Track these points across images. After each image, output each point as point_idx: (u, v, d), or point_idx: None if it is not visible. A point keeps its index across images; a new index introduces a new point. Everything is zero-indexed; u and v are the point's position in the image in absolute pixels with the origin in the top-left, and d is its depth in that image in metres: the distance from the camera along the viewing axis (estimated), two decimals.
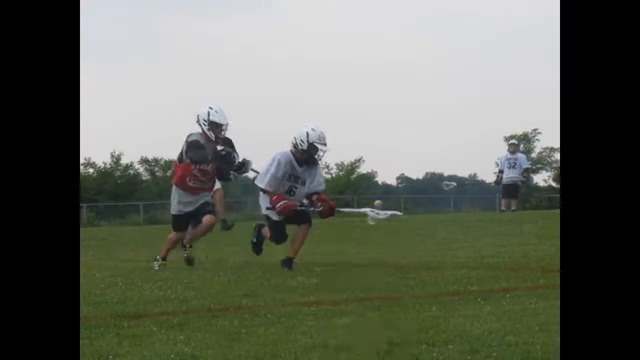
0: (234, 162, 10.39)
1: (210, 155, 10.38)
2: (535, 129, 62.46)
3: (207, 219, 10.69)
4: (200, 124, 10.48)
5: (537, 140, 62.70)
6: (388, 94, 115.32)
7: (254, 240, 11.11)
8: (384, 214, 10.42)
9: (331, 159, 54.29)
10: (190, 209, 10.77)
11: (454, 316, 6.08)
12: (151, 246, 16.55)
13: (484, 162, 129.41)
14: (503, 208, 24.54)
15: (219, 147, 10.44)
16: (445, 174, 60.65)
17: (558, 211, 29.04)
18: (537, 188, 57.65)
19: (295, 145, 10.29)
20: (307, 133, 10.18)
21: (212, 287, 8.49)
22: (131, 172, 54.03)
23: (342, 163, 53.51)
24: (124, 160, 53.74)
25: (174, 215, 10.96)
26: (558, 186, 57.78)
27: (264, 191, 10.36)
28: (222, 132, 10.50)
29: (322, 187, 10.57)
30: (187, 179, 10.56)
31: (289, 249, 10.42)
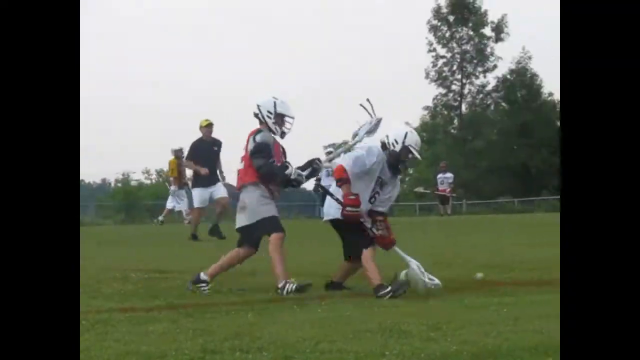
0: (298, 186, 8.79)
1: (281, 174, 8.58)
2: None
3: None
4: (262, 117, 8.71)
5: None
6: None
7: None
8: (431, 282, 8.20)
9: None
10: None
11: (269, 323, 6.12)
12: None
13: None
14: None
15: (287, 171, 8.58)
16: None
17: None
18: None
19: (385, 145, 8.62)
20: (406, 134, 8.61)
21: None
22: None
23: None
24: None
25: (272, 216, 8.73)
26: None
27: (340, 178, 8.33)
28: (287, 127, 8.77)
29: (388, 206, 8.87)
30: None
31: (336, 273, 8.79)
